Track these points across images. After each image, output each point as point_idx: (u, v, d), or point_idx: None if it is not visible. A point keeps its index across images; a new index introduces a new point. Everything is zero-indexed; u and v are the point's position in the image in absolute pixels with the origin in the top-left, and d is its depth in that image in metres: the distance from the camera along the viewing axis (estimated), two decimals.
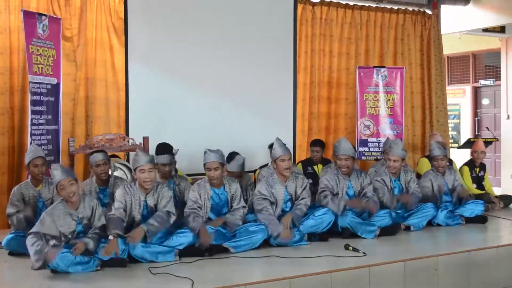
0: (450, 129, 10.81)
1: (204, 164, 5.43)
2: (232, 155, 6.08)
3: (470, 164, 7.71)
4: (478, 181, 7.66)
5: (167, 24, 7.15)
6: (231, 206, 5.51)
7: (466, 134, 12.15)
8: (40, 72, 6.20)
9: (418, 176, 7.29)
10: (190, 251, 4.93)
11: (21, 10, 6.19)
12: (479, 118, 12.20)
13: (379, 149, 8.24)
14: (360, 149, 8.29)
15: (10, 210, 5.24)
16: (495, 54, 11.51)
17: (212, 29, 7.36)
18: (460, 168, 7.71)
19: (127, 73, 6.95)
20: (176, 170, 6.04)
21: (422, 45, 9.32)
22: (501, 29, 10.38)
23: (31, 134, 6.04)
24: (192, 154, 6.60)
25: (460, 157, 8.42)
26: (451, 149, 9.83)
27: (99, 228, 4.79)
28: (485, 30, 10.27)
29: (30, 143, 6.00)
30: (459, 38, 11.15)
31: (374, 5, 8.95)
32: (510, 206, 7.65)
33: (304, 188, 5.74)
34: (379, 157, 8.20)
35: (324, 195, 5.84)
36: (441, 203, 6.47)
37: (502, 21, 9.81)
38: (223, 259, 4.89)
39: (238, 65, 7.51)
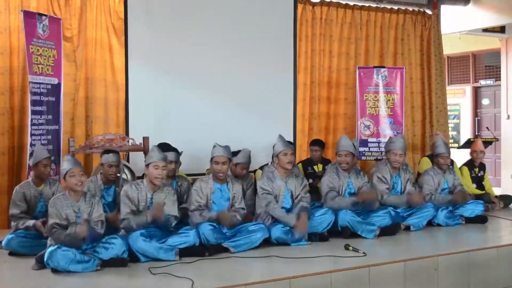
0: (450, 129, 10.81)
1: (212, 158, 5.51)
2: (238, 151, 6.20)
3: (470, 164, 7.72)
4: (478, 181, 7.67)
5: (167, 24, 7.15)
6: (232, 206, 5.54)
7: (466, 134, 12.15)
8: (40, 72, 6.20)
9: (418, 175, 7.30)
10: (190, 251, 4.94)
11: (21, 10, 6.19)
12: (479, 118, 12.20)
13: (379, 149, 8.25)
14: (360, 149, 8.28)
15: (14, 211, 5.24)
16: (495, 54, 11.51)
17: (212, 29, 7.36)
18: (460, 168, 7.72)
19: (127, 73, 6.94)
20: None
21: (422, 45, 9.32)
22: (501, 29, 10.38)
23: (31, 134, 6.04)
24: (192, 154, 6.60)
25: (460, 157, 8.40)
26: (451, 149, 9.81)
27: (96, 223, 4.81)
28: (485, 30, 10.26)
29: (30, 143, 6.01)
30: (459, 38, 11.15)
31: (374, 5, 8.95)
32: (510, 206, 7.66)
33: (304, 188, 5.80)
34: (379, 157, 8.20)
35: (331, 196, 5.88)
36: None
37: (502, 21, 9.81)
38: (223, 259, 4.89)
39: (238, 65, 7.51)
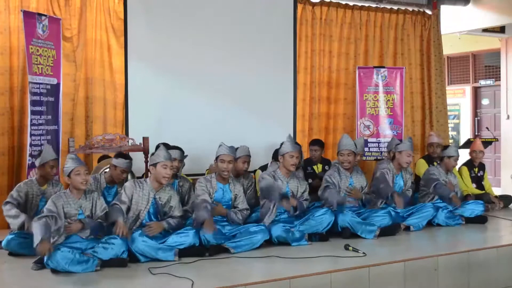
0: (450, 129, 10.81)
1: (218, 156, 5.55)
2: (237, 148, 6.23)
3: (469, 164, 7.72)
4: (478, 181, 7.67)
5: (166, 24, 7.14)
6: (234, 206, 5.55)
7: (466, 134, 12.15)
8: (40, 72, 6.19)
9: (416, 177, 7.30)
10: (190, 251, 4.94)
11: (21, 10, 6.19)
12: (479, 118, 12.20)
13: (379, 149, 8.25)
14: None
15: (9, 199, 5.23)
16: (495, 54, 11.51)
17: (212, 29, 7.35)
18: (459, 168, 7.72)
19: (127, 73, 6.94)
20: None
21: (422, 45, 9.31)
22: (501, 29, 10.38)
23: (31, 135, 6.04)
24: (192, 155, 6.59)
25: (460, 157, 8.40)
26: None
27: (101, 217, 4.91)
28: (485, 30, 10.26)
29: (30, 144, 6.01)
30: (459, 38, 11.14)
31: (374, 5, 8.95)
32: (510, 206, 7.66)
33: (305, 190, 5.89)
34: (379, 157, 8.20)
35: (323, 189, 5.92)
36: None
37: (502, 21, 9.81)
38: (223, 259, 4.89)
39: (238, 65, 7.51)
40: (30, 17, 6.13)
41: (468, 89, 12.36)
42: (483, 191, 7.59)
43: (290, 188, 5.73)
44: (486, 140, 9.24)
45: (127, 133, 6.84)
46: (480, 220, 6.51)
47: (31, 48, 6.09)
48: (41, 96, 6.19)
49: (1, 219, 6.34)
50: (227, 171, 5.53)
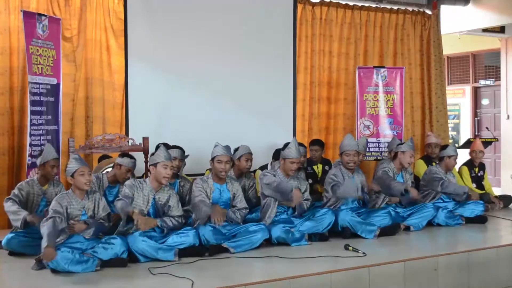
0: (450, 129, 10.81)
1: (215, 157, 5.53)
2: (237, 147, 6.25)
3: (469, 164, 7.73)
4: (478, 181, 7.67)
5: (166, 24, 7.14)
6: (232, 205, 5.55)
7: (466, 134, 12.15)
8: (40, 72, 6.19)
9: (415, 178, 7.29)
10: (190, 251, 4.94)
11: (21, 11, 6.18)
12: (479, 118, 12.20)
13: (379, 149, 8.25)
14: None
15: (12, 196, 5.23)
16: (495, 54, 11.51)
17: (212, 29, 7.35)
18: (460, 168, 7.73)
19: (127, 73, 6.94)
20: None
21: (422, 45, 9.31)
22: (501, 29, 10.38)
23: (31, 135, 6.03)
24: (192, 155, 6.58)
25: (460, 157, 8.40)
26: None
27: (103, 217, 4.93)
28: (485, 30, 10.26)
29: (30, 144, 6.01)
30: (459, 38, 11.14)
31: (374, 5, 8.95)
32: (510, 206, 7.66)
33: (305, 190, 5.87)
34: (379, 157, 8.20)
35: (335, 189, 5.87)
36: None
37: (502, 21, 9.80)
38: (223, 259, 4.89)
39: (238, 65, 7.50)
40: (30, 17, 6.13)
41: (468, 89, 12.36)
42: (483, 191, 7.59)
43: None
44: (486, 140, 9.24)
45: (127, 133, 6.84)
46: (480, 220, 6.51)
47: (31, 48, 6.09)
48: (41, 96, 6.19)
49: (1, 219, 6.36)
50: (224, 172, 5.52)
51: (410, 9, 9.26)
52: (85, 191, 4.86)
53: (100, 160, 6.79)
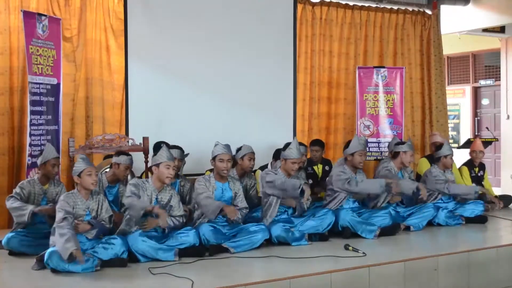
0: (450, 129, 10.81)
1: (216, 156, 5.52)
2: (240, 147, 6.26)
3: (469, 164, 7.72)
4: (478, 181, 7.67)
5: (166, 24, 7.14)
6: (233, 205, 5.54)
7: (466, 134, 12.15)
8: (40, 72, 6.19)
9: (417, 176, 7.31)
10: (190, 251, 4.94)
11: (21, 11, 6.18)
12: (479, 118, 12.20)
13: (379, 149, 8.25)
14: None
15: (14, 194, 5.22)
16: (495, 54, 11.51)
17: (212, 29, 7.35)
18: (460, 168, 7.73)
19: (127, 73, 6.94)
20: None
21: (422, 45, 9.31)
22: (501, 29, 10.38)
23: (31, 135, 6.03)
24: (192, 155, 6.59)
25: (460, 157, 8.40)
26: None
27: (105, 219, 4.93)
28: (485, 30, 10.25)
29: (30, 144, 6.00)
30: (459, 38, 11.14)
31: (374, 5, 8.95)
32: (510, 206, 7.66)
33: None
34: (379, 157, 8.20)
35: (352, 183, 5.89)
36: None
37: (502, 21, 9.80)
38: (223, 259, 4.89)
39: (238, 65, 7.50)
40: (30, 17, 6.12)
41: (468, 89, 12.36)
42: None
43: None
44: (486, 140, 9.24)
45: (127, 133, 6.83)
46: (480, 220, 6.52)
47: (31, 48, 6.09)
48: (41, 96, 6.19)
49: (2, 219, 6.36)
50: (226, 170, 5.53)
51: (410, 9, 9.26)
52: (90, 192, 4.88)
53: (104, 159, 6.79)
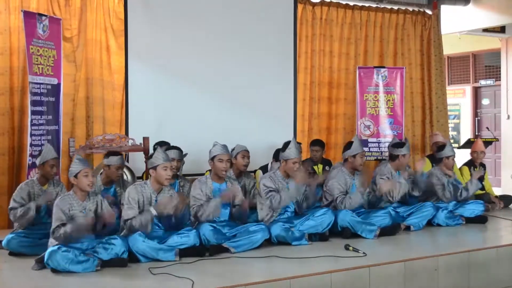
0: (450, 129, 10.80)
1: (215, 156, 5.50)
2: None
3: (470, 164, 7.72)
4: (478, 181, 7.64)
5: (166, 24, 7.15)
6: (233, 205, 5.54)
7: (466, 134, 12.14)
8: (40, 72, 6.20)
9: None
10: (191, 251, 4.94)
11: (21, 11, 6.19)
12: (479, 118, 12.20)
13: (379, 149, 8.25)
14: None
15: (14, 204, 5.22)
16: (495, 54, 11.51)
17: (212, 30, 7.36)
18: (460, 168, 7.72)
19: (127, 73, 6.95)
20: None
21: (422, 45, 9.31)
22: (501, 29, 10.38)
23: (31, 135, 6.04)
24: (192, 155, 6.59)
25: (460, 157, 8.40)
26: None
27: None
28: (485, 30, 10.26)
29: (30, 144, 6.01)
30: (459, 38, 11.14)
31: (374, 5, 8.95)
32: (510, 206, 7.66)
33: (305, 191, 5.82)
34: (379, 157, 8.20)
35: (342, 201, 5.92)
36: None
37: (502, 21, 9.80)
38: (223, 259, 4.89)
39: (238, 65, 7.51)
40: (30, 17, 6.13)
41: (468, 89, 12.36)
42: (483, 191, 7.59)
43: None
44: (487, 140, 9.23)
45: (127, 133, 6.84)
46: (480, 220, 6.51)
47: (32, 48, 6.09)
48: (42, 96, 6.19)
49: (2, 219, 6.37)
50: (225, 170, 5.52)
51: (411, 9, 9.27)
52: (87, 193, 4.85)
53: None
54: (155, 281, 4.32)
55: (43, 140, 6.17)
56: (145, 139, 6.25)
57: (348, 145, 6.20)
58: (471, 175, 7.59)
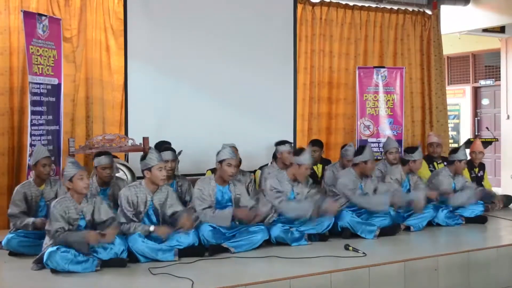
0: (450, 129, 10.81)
1: (224, 160, 5.42)
2: None
3: (469, 164, 7.72)
4: (478, 181, 7.67)
5: (166, 24, 7.15)
6: (238, 206, 5.51)
7: (466, 134, 12.15)
8: (40, 72, 6.20)
9: None
10: (190, 251, 4.94)
11: (21, 11, 6.18)
12: (479, 118, 12.20)
13: (379, 149, 8.24)
14: None
15: (13, 210, 5.21)
16: (495, 54, 11.51)
17: (212, 30, 7.36)
18: None
19: (127, 74, 6.95)
20: None
21: (422, 45, 9.32)
22: (501, 29, 10.38)
23: (31, 135, 6.03)
24: (192, 155, 6.60)
25: None
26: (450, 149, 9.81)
27: (110, 218, 4.87)
28: (485, 30, 10.26)
29: (30, 144, 6.00)
30: (459, 38, 11.14)
31: (374, 5, 8.95)
32: (510, 206, 7.66)
33: (309, 193, 5.85)
34: (379, 157, 8.20)
35: (360, 193, 5.95)
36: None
37: (502, 21, 9.81)
38: (223, 259, 4.89)
39: (238, 65, 7.51)
40: (30, 17, 6.13)
41: (468, 89, 12.36)
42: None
43: (296, 191, 5.72)
44: (486, 140, 9.24)
45: (126, 133, 6.84)
46: (480, 220, 6.51)
47: (32, 48, 6.09)
48: (42, 96, 6.19)
49: (1, 219, 6.36)
50: (233, 175, 5.47)
51: (410, 9, 9.27)
52: (84, 195, 4.81)
53: None
54: (155, 281, 4.32)
55: (43, 140, 6.16)
56: (145, 139, 6.24)
57: (360, 150, 6.18)
58: (470, 175, 7.61)
